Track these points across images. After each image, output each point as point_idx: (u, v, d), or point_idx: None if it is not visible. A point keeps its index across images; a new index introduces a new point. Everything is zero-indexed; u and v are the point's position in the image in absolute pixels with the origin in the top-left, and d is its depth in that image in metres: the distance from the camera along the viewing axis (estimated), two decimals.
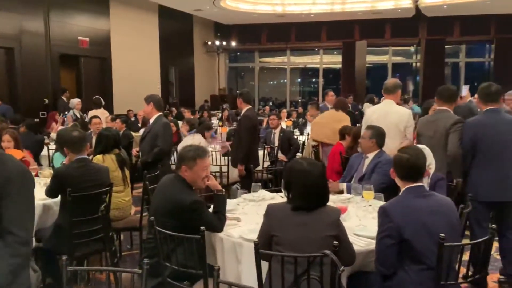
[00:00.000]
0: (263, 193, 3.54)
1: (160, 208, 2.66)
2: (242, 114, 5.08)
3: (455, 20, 14.50)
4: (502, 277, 3.47)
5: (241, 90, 5.41)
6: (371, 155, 3.75)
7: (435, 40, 15.05)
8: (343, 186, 3.67)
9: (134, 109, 10.29)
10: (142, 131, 6.30)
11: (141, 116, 8.93)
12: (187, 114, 8.31)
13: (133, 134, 7.33)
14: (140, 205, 3.95)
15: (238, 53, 18.72)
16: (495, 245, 3.74)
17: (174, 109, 12.07)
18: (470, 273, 2.44)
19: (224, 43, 16.26)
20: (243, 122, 5.02)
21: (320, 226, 2.20)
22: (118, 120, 7.26)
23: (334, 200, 3.28)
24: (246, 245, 2.52)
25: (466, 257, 2.48)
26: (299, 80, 20.63)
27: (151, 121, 4.66)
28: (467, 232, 3.53)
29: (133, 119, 9.96)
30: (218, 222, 2.68)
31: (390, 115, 4.17)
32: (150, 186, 3.51)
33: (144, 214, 3.79)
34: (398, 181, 2.53)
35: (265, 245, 2.22)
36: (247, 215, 3.07)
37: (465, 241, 3.63)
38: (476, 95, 4.27)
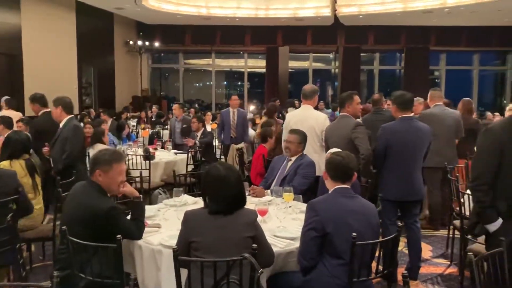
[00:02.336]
0: (185, 198, 3.49)
1: (73, 217, 2.52)
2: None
3: (370, 29, 15.42)
4: (405, 271, 3.75)
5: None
6: (294, 158, 3.88)
7: (352, 48, 15.90)
8: (268, 192, 3.74)
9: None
10: None
11: None
12: (104, 116, 7.93)
13: None
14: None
15: (162, 54, 18.35)
16: (404, 240, 4.06)
17: (92, 110, 11.52)
18: (381, 268, 2.62)
19: (147, 43, 15.84)
20: None
21: (238, 228, 2.23)
22: (20, 123, 5.71)
23: (255, 202, 3.33)
24: (165, 252, 2.47)
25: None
26: (225, 82, 20.70)
27: (61, 125, 4.42)
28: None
29: None
30: (136, 229, 2.61)
31: (308, 120, 4.34)
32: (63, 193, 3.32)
33: (57, 222, 3.58)
34: (328, 182, 2.66)
35: (184, 252, 2.20)
36: (168, 221, 3.02)
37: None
38: (390, 102, 4.60)
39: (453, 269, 4.17)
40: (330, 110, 11.69)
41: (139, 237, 2.62)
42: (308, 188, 3.76)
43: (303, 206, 3.07)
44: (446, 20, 13.94)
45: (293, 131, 3.94)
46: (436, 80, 17.03)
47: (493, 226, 2.46)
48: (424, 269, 4.07)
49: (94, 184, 2.58)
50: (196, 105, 19.19)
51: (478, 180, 2.50)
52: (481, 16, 13.10)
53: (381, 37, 15.54)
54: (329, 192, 2.62)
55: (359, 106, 4.28)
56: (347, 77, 15.99)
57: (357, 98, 4.18)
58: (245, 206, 3.30)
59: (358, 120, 4.35)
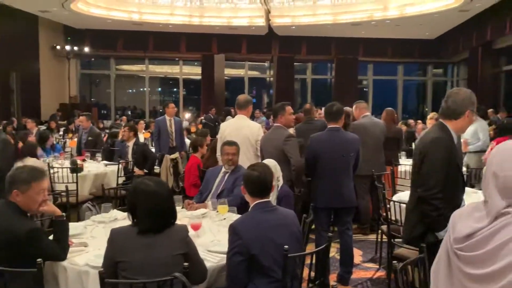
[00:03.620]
0: (114, 213, 3.34)
1: None
2: None
3: (302, 40, 15.88)
4: (335, 282, 3.87)
5: None
6: (230, 169, 3.85)
7: (286, 57, 16.28)
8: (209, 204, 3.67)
9: None
10: None
11: None
12: (29, 124, 7.42)
13: None
14: None
15: (93, 59, 17.63)
16: (336, 246, 4.18)
17: (14, 119, 10.77)
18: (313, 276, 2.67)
19: (76, 48, 15.13)
20: None
21: (168, 246, 2.15)
22: None
23: (189, 216, 3.27)
24: (92, 273, 2.34)
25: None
26: (159, 89, 20.29)
27: None
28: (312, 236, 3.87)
29: None
30: (60, 250, 2.44)
31: (243, 130, 4.35)
32: None
33: None
34: (247, 197, 2.61)
35: (110, 273, 2.08)
36: (95, 239, 2.86)
37: (310, 246, 3.98)
38: (322, 111, 4.74)
39: (381, 273, 4.35)
40: (265, 118, 11.84)
41: (64, 258, 2.46)
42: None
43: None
44: (373, 33, 14.72)
45: (231, 143, 3.89)
46: (365, 89, 17.89)
47: (444, 232, 2.50)
48: (354, 274, 4.20)
49: (11, 204, 2.38)
50: (129, 112, 18.67)
51: (435, 188, 2.56)
52: (404, 29, 14.00)
53: (313, 48, 16.05)
54: (250, 208, 2.58)
55: (292, 117, 4.33)
56: (282, 86, 16.33)
57: (289, 109, 4.23)
58: (178, 221, 3.26)
59: (291, 130, 4.42)
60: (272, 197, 3.47)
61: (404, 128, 8.84)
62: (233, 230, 2.42)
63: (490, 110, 10.15)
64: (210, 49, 16.04)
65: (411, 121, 10.65)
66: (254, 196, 2.55)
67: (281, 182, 3.60)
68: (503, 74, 13.22)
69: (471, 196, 3.73)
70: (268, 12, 13.37)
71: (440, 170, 2.58)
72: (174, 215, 2.27)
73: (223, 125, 4.65)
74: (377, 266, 4.49)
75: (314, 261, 2.69)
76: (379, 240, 4.65)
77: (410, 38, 15.44)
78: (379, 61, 16.92)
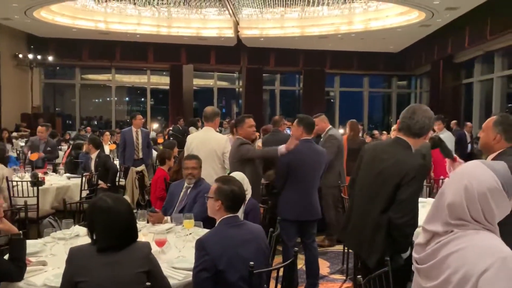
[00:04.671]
0: (76, 229, 3.23)
1: None
2: None
3: (270, 51, 16.04)
4: None
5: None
6: (191, 183, 3.79)
7: (255, 68, 16.38)
8: (168, 218, 3.60)
9: None
10: None
11: None
12: None
13: None
14: None
15: (58, 68, 17.19)
16: (303, 258, 4.19)
17: None
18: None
19: (39, 57, 14.71)
20: None
21: (130, 264, 2.09)
22: None
23: (154, 231, 3.21)
24: None
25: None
26: (127, 98, 19.97)
27: None
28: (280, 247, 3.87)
29: None
30: (16, 270, 2.33)
31: (209, 142, 4.33)
32: None
33: None
34: (217, 212, 2.56)
35: None
36: (55, 257, 2.75)
37: (278, 258, 3.98)
38: (292, 123, 4.75)
39: (348, 284, 4.39)
40: None
41: (20, 278, 2.35)
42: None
43: (204, 232, 3.01)
44: (339, 46, 15.05)
45: (191, 157, 3.82)
46: (332, 100, 18.20)
47: (408, 252, 2.51)
48: (322, 286, 4.23)
49: None
50: (95, 122, 18.26)
51: (411, 215, 2.43)
52: (369, 43, 14.37)
53: (281, 59, 16.23)
54: (217, 223, 2.55)
55: (251, 129, 4.22)
56: (251, 96, 16.41)
57: (249, 122, 4.18)
58: (143, 236, 3.19)
59: (259, 142, 4.41)
60: (240, 211, 3.46)
61: (369, 139, 9.05)
62: (200, 245, 2.38)
63: (453, 122, 10.52)
64: (178, 59, 15.95)
65: (376, 132, 10.91)
66: (229, 210, 2.52)
67: (249, 195, 3.59)
68: (463, 86, 13.75)
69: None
70: (236, 23, 13.45)
71: (417, 198, 2.47)
72: (134, 232, 2.20)
73: (189, 138, 4.60)
74: (344, 277, 4.53)
75: (281, 274, 2.68)
76: (345, 251, 4.70)
77: (375, 51, 15.87)
78: (345, 73, 17.28)
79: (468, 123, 10.63)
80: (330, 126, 5.48)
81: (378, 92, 19.21)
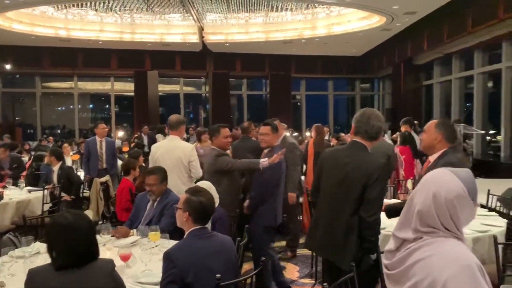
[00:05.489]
0: (36, 246, 3.12)
1: None
2: None
3: (236, 57, 16.05)
4: None
5: None
6: (153, 199, 3.70)
7: (221, 73, 16.35)
8: (134, 232, 3.52)
9: None
10: None
11: None
12: None
13: None
14: None
15: (18, 76, 16.59)
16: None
17: None
18: None
19: None
20: None
21: (91, 282, 2.02)
22: None
23: (119, 245, 3.14)
24: None
25: None
26: (91, 106, 19.50)
27: None
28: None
29: None
30: None
31: (175, 151, 4.27)
32: None
33: None
34: (185, 223, 2.52)
35: None
36: (14, 277, 2.66)
37: (249, 264, 3.97)
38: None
39: (318, 287, 4.43)
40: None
41: None
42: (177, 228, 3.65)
43: (171, 244, 2.97)
44: (304, 50, 15.25)
45: (151, 172, 3.67)
46: (298, 104, 18.40)
47: (375, 254, 2.60)
48: None
49: None
50: (58, 131, 17.72)
51: (379, 213, 2.56)
52: (332, 47, 14.63)
53: (247, 64, 16.28)
54: (185, 235, 2.52)
55: (227, 140, 4.11)
56: (218, 102, 16.37)
57: (225, 132, 4.05)
58: (108, 251, 3.12)
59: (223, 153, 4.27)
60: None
61: (335, 141, 9.18)
62: (168, 257, 2.35)
63: (415, 123, 10.82)
64: (142, 65, 15.73)
65: (342, 134, 11.09)
66: (197, 222, 2.50)
67: (216, 204, 3.57)
68: (423, 88, 14.20)
69: None
70: (201, 29, 13.40)
71: (383, 196, 2.61)
72: (95, 249, 2.13)
73: (154, 147, 4.50)
74: (313, 281, 4.57)
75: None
76: (314, 254, 4.74)
77: (338, 55, 16.17)
78: (310, 77, 17.51)
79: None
80: (285, 133, 5.42)
81: (343, 95, 19.56)
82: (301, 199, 5.55)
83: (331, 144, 8.49)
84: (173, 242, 3.00)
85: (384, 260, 1.57)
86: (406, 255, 1.44)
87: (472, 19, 9.59)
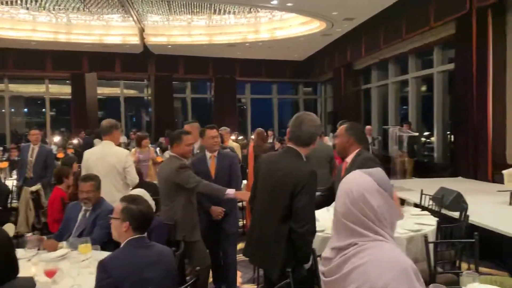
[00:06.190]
0: None
1: None
2: None
3: (180, 59, 15.80)
4: None
5: None
6: (89, 207, 3.50)
7: (164, 76, 16.02)
8: (63, 244, 3.29)
9: None
10: None
11: None
12: None
13: None
14: None
15: None
16: None
17: None
18: None
19: None
20: None
21: None
22: None
23: (46, 260, 2.93)
24: None
25: None
26: (25, 110, 18.40)
27: None
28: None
29: None
30: None
31: (108, 157, 4.07)
32: None
33: None
34: (123, 233, 2.39)
35: None
36: None
37: None
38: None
39: None
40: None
41: None
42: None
43: (103, 256, 2.81)
44: (248, 54, 15.31)
45: (87, 178, 3.48)
46: (243, 107, 18.44)
47: (310, 263, 2.53)
48: None
49: None
50: None
51: (310, 223, 2.45)
52: (276, 51, 14.81)
53: (191, 67, 16.09)
54: (122, 244, 2.40)
55: (189, 148, 3.79)
56: (161, 105, 16.05)
57: (187, 139, 3.74)
58: (33, 266, 2.89)
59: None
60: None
61: (278, 145, 9.27)
62: (102, 267, 2.22)
63: None
64: (80, 67, 15.08)
65: (286, 138, 11.22)
66: (137, 231, 2.38)
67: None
68: (362, 92, 14.72)
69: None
70: (142, 30, 13.06)
71: (313, 205, 2.51)
72: (14, 266, 1.95)
73: (86, 153, 4.26)
74: (255, 286, 4.54)
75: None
76: None
77: (282, 59, 16.41)
78: (255, 80, 17.61)
79: (368, 126, 11.36)
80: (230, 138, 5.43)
81: (287, 99, 19.86)
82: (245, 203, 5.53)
83: (276, 147, 8.56)
84: (105, 254, 2.85)
85: (321, 267, 1.55)
86: (343, 262, 1.43)
87: (405, 26, 10.06)
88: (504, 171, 6.22)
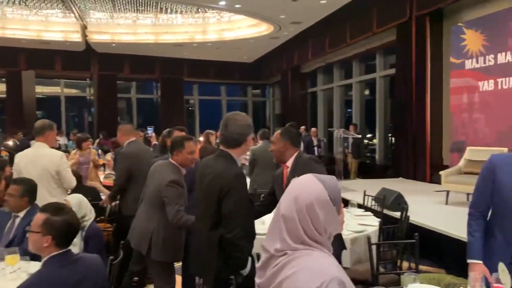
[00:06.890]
0: None
1: None
2: None
3: (125, 58, 15.32)
4: None
5: None
6: (22, 213, 3.24)
7: (107, 75, 15.47)
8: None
9: None
10: None
11: None
12: None
13: None
14: None
15: None
16: None
17: None
18: None
19: None
20: None
21: None
22: None
23: None
24: None
25: None
26: None
27: None
28: None
29: None
30: None
31: (41, 160, 3.79)
32: None
33: None
34: (47, 249, 2.11)
35: None
36: None
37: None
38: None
39: None
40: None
41: None
42: None
43: (36, 267, 2.59)
44: (196, 54, 15.12)
45: (15, 181, 3.22)
46: (191, 108, 18.20)
47: (248, 268, 2.43)
48: None
49: None
50: None
51: (239, 228, 2.34)
52: (224, 52, 14.74)
53: (136, 66, 15.67)
54: (42, 263, 2.15)
55: (191, 156, 3.33)
56: (105, 105, 15.51)
57: (189, 146, 3.29)
58: None
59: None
60: (78, 239, 3.08)
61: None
62: None
63: (302, 128, 11.32)
64: (16, 64, 14.23)
65: None
66: (61, 246, 2.12)
67: (89, 221, 3.25)
68: (309, 94, 14.98)
69: None
70: (84, 27, 12.52)
71: (244, 208, 2.38)
72: None
73: (18, 156, 3.95)
74: None
75: None
76: None
77: (231, 61, 16.35)
78: (203, 81, 17.43)
79: (313, 128, 11.57)
80: (132, 139, 4.58)
81: (236, 100, 19.84)
82: None
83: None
84: (35, 264, 2.63)
85: (256, 279, 1.49)
86: (276, 272, 1.39)
87: (350, 31, 10.34)
88: (441, 172, 6.53)
